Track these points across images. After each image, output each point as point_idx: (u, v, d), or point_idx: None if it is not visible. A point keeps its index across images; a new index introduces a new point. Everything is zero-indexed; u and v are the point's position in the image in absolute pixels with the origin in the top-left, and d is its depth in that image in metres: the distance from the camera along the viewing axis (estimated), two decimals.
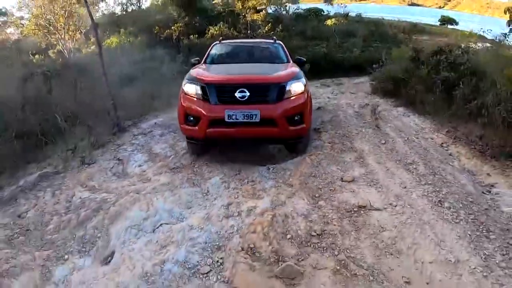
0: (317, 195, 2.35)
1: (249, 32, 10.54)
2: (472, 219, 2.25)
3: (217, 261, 1.73)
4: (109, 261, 1.84)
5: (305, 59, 4.60)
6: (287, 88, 3.23)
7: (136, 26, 12.18)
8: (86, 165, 3.25)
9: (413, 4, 28.82)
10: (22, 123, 4.18)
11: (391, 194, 2.38)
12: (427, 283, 1.57)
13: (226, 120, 3.03)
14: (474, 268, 1.74)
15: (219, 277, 1.64)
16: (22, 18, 14.19)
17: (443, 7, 28.58)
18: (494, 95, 3.88)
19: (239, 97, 3.09)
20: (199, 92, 3.20)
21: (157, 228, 2.04)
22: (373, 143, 3.52)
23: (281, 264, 1.62)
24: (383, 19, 16.90)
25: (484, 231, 2.13)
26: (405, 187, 2.53)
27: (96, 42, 4.58)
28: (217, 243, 1.86)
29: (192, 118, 3.21)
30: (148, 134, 4.02)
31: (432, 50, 5.94)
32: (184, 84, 3.37)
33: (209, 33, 10.48)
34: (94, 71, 7.65)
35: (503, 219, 2.33)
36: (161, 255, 1.76)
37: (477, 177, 3.13)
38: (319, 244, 1.79)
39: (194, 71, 3.57)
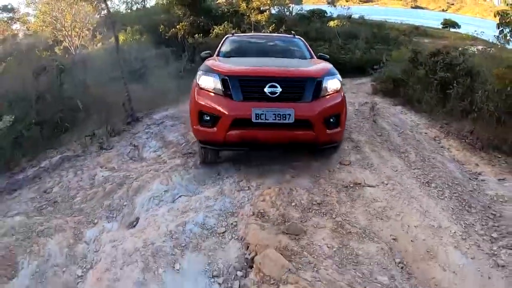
0: (317, 175, 2.67)
1: (252, 32, 10.92)
2: (456, 197, 2.56)
3: (231, 224, 2.04)
4: (135, 225, 2.15)
5: (328, 57, 4.09)
6: (324, 85, 2.82)
7: (141, 24, 12.51)
8: (104, 150, 3.57)
9: (416, 7, 29.27)
10: (38, 113, 4.51)
11: (383, 175, 2.69)
12: (412, 241, 1.88)
13: (253, 120, 2.58)
14: (454, 232, 2.05)
15: (233, 235, 1.95)
16: (28, 14, 14.60)
17: (446, 10, 29.03)
18: (483, 92, 4.21)
19: (269, 92, 2.64)
20: (219, 86, 2.71)
21: (176, 199, 2.35)
22: (369, 135, 3.83)
23: (287, 224, 1.94)
24: (385, 21, 17.32)
25: (466, 207, 2.44)
26: (396, 170, 2.85)
27: (114, 39, 4.94)
28: (231, 210, 2.17)
29: (208, 118, 2.72)
30: (160, 124, 4.34)
31: (430, 52, 6.29)
32: (199, 77, 2.88)
33: (214, 33, 10.83)
34: (102, 67, 8.02)
35: (486, 199, 2.63)
36: (182, 218, 2.07)
37: (466, 166, 3.43)
38: (319, 210, 2.10)
39: (210, 63, 3.06)
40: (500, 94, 4.09)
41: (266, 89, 2.61)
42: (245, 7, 11.49)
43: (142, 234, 1.97)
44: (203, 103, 2.73)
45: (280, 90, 2.62)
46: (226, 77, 2.68)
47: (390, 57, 8.36)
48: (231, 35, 4.60)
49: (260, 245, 1.77)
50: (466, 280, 1.65)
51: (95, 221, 2.19)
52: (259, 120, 2.55)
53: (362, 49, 11.42)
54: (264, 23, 11.21)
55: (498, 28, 4.33)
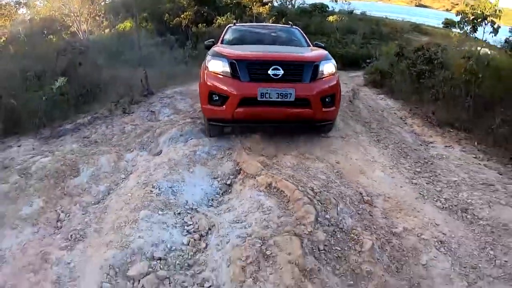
0: (295, 132, 3.69)
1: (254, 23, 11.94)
2: (398, 150, 3.59)
3: (228, 153, 3.08)
4: (159, 154, 3.19)
5: (323, 45, 4.60)
6: (320, 68, 3.23)
7: (146, 12, 13.49)
8: (126, 114, 4.61)
9: (420, 6, 30.32)
10: (63, 87, 5.53)
11: (344, 133, 3.72)
12: (350, 164, 2.93)
13: (259, 98, 2.99)
14: (385, 164, 3.09)
15: (228, 159, 2.99)
16: None
17: (451, 10, 30.11)
18: (447, 80, 5.27)
19: (272, 74, 3.05)
20: (227, 69, 3.12)
21: (188, 140, 3.38)
22: (343, 111, 4.84)
23: (263, 152, 2.99)
24: (386, 18, 18.33)
25: (404, 155, 3.47)
26: (355, 132, 3.89)
27: (135, 25, 5.85)
28: (228, 147, 3.21)
29: (217, 98, 3.14)
30: (171, 97, 5.38)
31: (415, 47, 7.36)
32: (209, 61, 3.30)
33: (217, 23, 11.85)
34: (113, 50, 9.08)
35: (426, 155, 3.63)
36: (194, 148, 3.10)
37: (420, 137, 4.47)
38: (289, 147, 3.16)
39: (218, 48, 3.55)
40: (458, 81, 5.15)
41: (270, 71, 3.05)
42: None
43: (166, 156, 3.01)
44: (212, 84, 3.16)
45: (282, 72, 3.05)
46: (234, 61, 3.11)
47: (381, 52, 9.48)
48: (233, 24, 5.10)
49: (246, 161, 2.82)
50: (381, 184, 2.68)
51: (131, 150, 3.24)
52: (264, 99, 2.99)
53: (358, 44, 12.46)
54: (265, 15, 12.26)
55: (459, 25, 5.35)
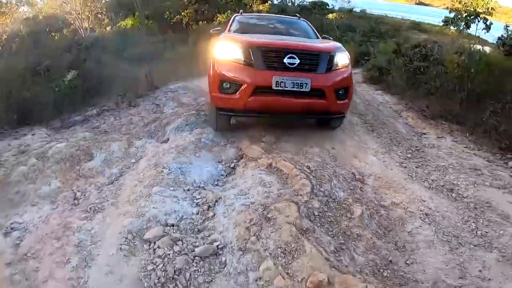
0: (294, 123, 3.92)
1: None
2: (391, 139, 3.83)
3: (231, 140, 3.31)
4: (167, 141, 3.42)
5: (331, 38, 4.61)
6: (335, 59, 3.19)
7: (147, 10, 13.71)
8: (132, 107, 4.84)
9: (420, 3, 30.62)
10: (73, 81, 5.76)
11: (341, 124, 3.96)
12: (343, 150, 3.17)
13: (274, 87, 2.92)
14: (377, 150, 3.33)
15: (232, 146, 3.22)
16: None
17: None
18: (440, 75, 5.50)
19: (288, 63, 2.98)
20: (240, 56, 3.04)
21: (193, 130, 3.61)
22: None
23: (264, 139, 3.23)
24: (386, 16, 18.56)
25: (396, 143, 3.71)
26: (352, 123, 4.12)
27: (141, 22, 6.06)
28: (232, 135, 3.44)
29: (229, 86, 3.04)
30: (174, 92, 5.60)
31: (411, 45, 7.60)
32: (220, 47, 3.20)
33: (217, 20, 12.07)
34: (115, 47, 9.30)
35: (418, 144, 3.87)
36: (199, 136, 3.33)
37: (414, 129, 4.69)
38: (288, 136, 3.40)
39: (229, 35, 3.49)
40: (451, 76, 5.39)
41: (286, 60, 2.96)
42: None
43: (173, 143, 3.24)
44: (224, 72, 3.05)
45: (298, 61, 2.98)
46: (249, 48, 3.02)
47: (379, 49, 9.72)
48: (239, 14, 4.97)
49: (248, 147, 3.05)
50: (373, 167, 2.91)
51: (140, 138, 3.47)
52: (279, 88, 2.91)
53: (358, 42, 12.67)
54: (265, 12, 12.48)
55: (452, 23, 5.59)
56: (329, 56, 3.15)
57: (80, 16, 12.50)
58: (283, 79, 2.94)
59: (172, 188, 2.30)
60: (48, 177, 2.61)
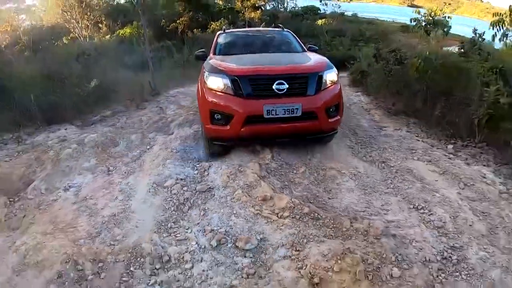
0: None
1: (247, 28, 13.47)
2: (350, 130, 5.03)
3: None
4: (172, 134, 4.62)
5: (317, 48, 4.95)
6: (324, 78, 3.30)
7: (145, 17, 14.93)
8: (140, 109, 6.06)
9: (413, 6, 32.26)
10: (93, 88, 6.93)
11: None
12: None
13: (265, 116, 3.03)
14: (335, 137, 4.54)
15: None
16: (34, 6, 17.17)
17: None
18: (401, 75, 6.75)
19: (277, 89, 3.07)
20: (229, 85, 3.14)
21: (192, 126, 4.82)
22: None
23: None
24: (377, 19, 19.98)
25: (353, 133, 4.90)
26: None
27: (145, 39, 7.29)
28: None
29: (220, 117, 3.16)
30: (175, 96, 6.85)
31: (389, 49, 8.88)
32: (207, 78, 3.33)
33: (211, 28, 13.40)
34: (115, 55, 10.56)
35: (374, 134, 5.08)
36: (196, 130, 4.54)
37: (377, 124, 5.90)
38: None
39: (215, 63, 3.57)
40: (413, 77, 6.64)
41: (275, 86, 3.09)
42: (240, 5, 14.12)
43: (177, 135, 4.44)
44: (214, 102, 3.21)
45: (287, 86, 3.11)
46: (236, 77, 3.14)
47: (363, 53, 11.04)
48: (222, 31, 5.20)
49: None
50: (323, 148, 4.11)
51: (151, 131, 4.68)
52: (270, 116, 3.04)
53: (346, 46, 13.98)
54: (257, 20, 13.84)
55: (413, 30, 6.85)
56: (318, 76, 3.29)
57: (79, 25, 13.74)
58: (273, 108, 3.06)
59: (179, 161, 3.50)
60: (87, 157, 3.81)
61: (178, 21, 13.95)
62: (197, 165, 3.39)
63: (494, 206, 2.92)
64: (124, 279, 2.01)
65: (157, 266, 2.10)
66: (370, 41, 14.48)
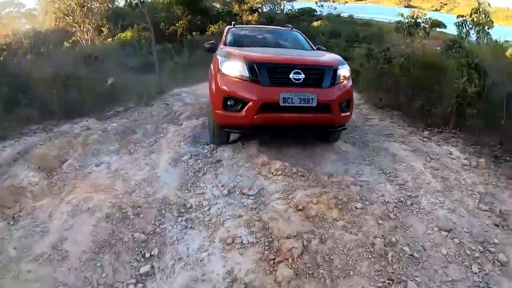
0: None
1: None
2: None
3: None
4: (181, 125, 5.44)
5: (325, 49, 5.26)
6: (338, 72, 3.48)
7: (142, 21, 15.81)
8: (149, 106, 6.88)
9: (409, 6, 33.40)
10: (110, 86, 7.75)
11: None
12: None
13: (281, 104, 3.13)
14: None
15: None
16: (35, 10, 18.06)
17: (440, 10, 33.34)
18: (387, 73, 7.61)
19: (294, 79, 3.20)
20: (246, 72, 3.24)
21: (199, 118, 5.63)
22: None
23: None
24: (372, 20, 20.95)
25: None
26: None
27: (152, 43, 8.15)
28: None
29: (234, 103, 3.25)
30: (179, 95, 7.70)
31: (380, 49, 9.75)
32: (222, 63, 3.42)
33: (210, 31, 14.29)
34: (118, 57, 11.40)
35: (360, 124, 5.92)
36: (203, 122, 5.35)
37: (364, 116, 6.75)
38: None
39: (231, 50, 3.69)
40: (398, 75, 7.49)
41: (291, 75, 3.21)
42: (237, 8, 15.05)
43: (187, 126, 5.25)
44: (228, 88, 3.30)
45: (304, 76, 3.24)
46: (254, 64, 3.23)
47: (356, 54, 11.92)
48: (232, 26, 5.38)
49: None
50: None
51: (163, 123, 5.50)
52: (286, 104, 3.15)
53: (342, 47, 14.86)
54: (254, 23, 14.74)
55: (397, 31, 7.72)
56: (333, 70, 3.47)
57: (81, 28, 14.55)
58: (290, 96, 3.17)
59: (191, 143, 4.31)
60: (111, 142, 4.62)
61: (177, 24, 14.82)
62: (206, 146, 4.19)
63: (454, 173, 3.74)
64: (158, 218, 2.80)
65: (182, 210, 2.91)
66: (364, 41, 15.40)
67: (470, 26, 6.26)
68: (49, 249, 2.38)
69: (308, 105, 3.25)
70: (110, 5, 15.85)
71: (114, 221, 2.68)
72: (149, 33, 14.33)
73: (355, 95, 8.42)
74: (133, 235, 2.53)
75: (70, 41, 15.22)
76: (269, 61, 3.37)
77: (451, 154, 4.33)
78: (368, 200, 2.85)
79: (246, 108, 3.23)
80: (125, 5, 18.23)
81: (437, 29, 22.85)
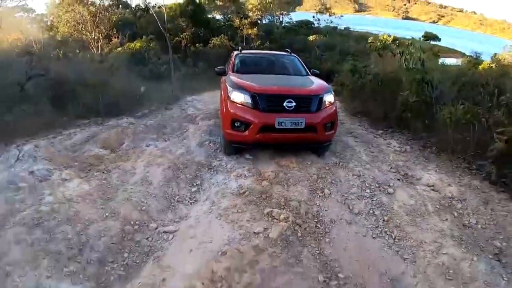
0: None
1: (244, 44, 17.19)
2: None
3: None
4: (198, 124, 8.14)
5: (318, 72, 6.83)
6: (323, 99, 4.93)
7: (148, 31, 18.54)
8: (167, 110, 9.57)
9: (407, 18, 36.66)
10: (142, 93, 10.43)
11: None
12: None
13: (276, 126, 4.55)
14: None
15: None
16: (43, 15, 20.78)
17: (437, 22, 36.63)
18: (360, 85, 10.39)
19: (287, 106, 4.60)
20: (249, 100, 4.70)
21: (211, 120, 8.34)
22: None
23: None
24: (368, 33, 23.95)
25: None
26: None
27: (170, 50, 10.90)
28: None
29: (240, 124, 4.70)
30: (191, 102, 10.45)
31: (362, 65, 12.56)
32: (231, 92, 4.92)
33: (212, 43, 17.09)
34: (132, 67, 14.11)
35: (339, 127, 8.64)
36: (216, 122, 8.07)
37: (340, 121, 9.46)
38: None
39: (236, 80, 5.21)
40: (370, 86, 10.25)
41: (285, 104, 4.69)
42: (238, 23, 17.92)
43: (203, 125, 7.95)
44: (235, 113, 4.82)
45: (295, 104, 4.70)
46: (255, 94, 4.75)
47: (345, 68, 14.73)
48: (239, 52, 7.23)
49: None
50: None
51: (184, 123, 8.19)
52: (280, 126, 4.63)
53: (335, 60, 17.69)
54: (253, 36, 17.59)
55: (369, 51, 10.52)
56: (319, 98, 4.93)
57: (92, 37, 17.02)
58: (283, 120, 4.61)
59: (208, 135, 6.99)
60: (151, 133, 7.29)
61: (181, 36, 17.62)
62: (218, 138, 6.86)
63: (384, 155, 6.41)
64: (197, 169, 5.41)
65: (210, 167, 5.55)
66: (356, 55, 18.26)
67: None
68: (139, 180, 5.01)
69: (298, 127, 4.74)
70: (119, 15, 18.40)
71: (173, 169, 5.34)
72: (156, 44, 17.22)
73: (338, 105, 11.23)
74: (185, 175, 5.19)
75: (80, 48, 17.65)
76: (268, 92, 4.89)
77: (389, 145, 7.04)
78: (315, 161, 5.51)
79: (249, 129, 4.78)
80: (134, 9, 20.82)
81: (431, 42, 25.93)
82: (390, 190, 4.90)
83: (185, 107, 9.86)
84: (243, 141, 4.98)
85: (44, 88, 8.59)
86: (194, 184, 5.03)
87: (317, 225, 3.83)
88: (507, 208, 4.40)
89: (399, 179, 5.34)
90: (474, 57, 21.92)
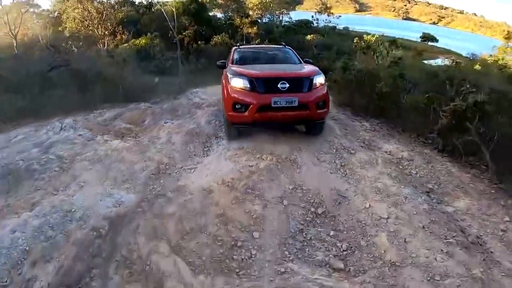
0: None
1: (244, 42, 19.36)
2: None
3: None
4: (204, 109, 10.37)
5: (312, 61, 8.11)
6: (314, 81, 5.92)
7: (152, 28, 20.70)
8: (176, 99, 11.80)
9: (407, 19, 38.93)
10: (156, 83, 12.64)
11: None
12: None
13: (272, 105, 5.49)
14: None
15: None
16: (48, 11, 22.96)
17: (437, 23, 38.94)
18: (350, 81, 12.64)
19: (281, 87, 5.54)
20: (247, 84, 5.67)
21: (214, 107, 10.57)
22: None
23: None
24: (366, 33, 26.19)
25: None
26: None
27: (178, 47, 13.17)
28: None
29: (240, 106, 5.67)
30: (196, 93, 12.69)
31: (352, 63, 14.80)
32: (231, 79, 5.92)
33: (214, 41, 19.27)
34: (139, 62, 16.35)
35: None
36: (219, 109, 10.32)
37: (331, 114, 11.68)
38: None
39: (236, 69, 6.28)
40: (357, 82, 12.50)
41: (279, 85, 5.65)
42: (239, 22, 20.16)
43: (208, 110, 10.15)
44: (236, 96, 5.85)
45: (288, 85, 5.66)
46: (253, 78, 5.77)
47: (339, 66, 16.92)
48: (237, 47, 8.43)
49: None
50: None
51: (193, 108, 10.42)
52: (276, 105, 5.59)
53: (332, 59, 19.83)
54: (253, 35, 19.80)
55: (355, 52, 12.79)
56: (310, 79, 5.98)
57: (98, 32, 19.08)
58: (279, 99, 5.61)
59: (214, 117, 9.16)
60: (166, 114, 9.54)
61: (184, 33, 19.82)
62: (222, 119, 9.04)
63: (355, 131, 8.58)
64: (207, 138, 7.66)
65: (216, 137, 7.76)
66: (351, 54, 20.44)
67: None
68: (165, 142, 7.29)
69: (292, 105, 5.70)
70: (126, 13, 20.51)
71: (189, 136, 7.59)
72: (160, 41, 19.42)
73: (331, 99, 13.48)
74: (198, 140, 7.43)
75: (86, 44, 19.73)
76: (263, 76, 5.89)
77: (362, 125, 9.26)
78: (298, 133, 7.70)
79: (248, 109, 5.73)
80: (138, 6, 22.87)
81: (429, 43, 28.13)
82: (352, 151, 7.00)
83: (191, 97, 12.04)
84: (243, 121, 6.07)
85: (67, 77, 10.83)
86: (206, 146, 7.27)
87: (292, 164, 6.02)
88: (445, 166, 6.55)
89: (362, 146, 7.43)
90: (471, 58, 24.02)
